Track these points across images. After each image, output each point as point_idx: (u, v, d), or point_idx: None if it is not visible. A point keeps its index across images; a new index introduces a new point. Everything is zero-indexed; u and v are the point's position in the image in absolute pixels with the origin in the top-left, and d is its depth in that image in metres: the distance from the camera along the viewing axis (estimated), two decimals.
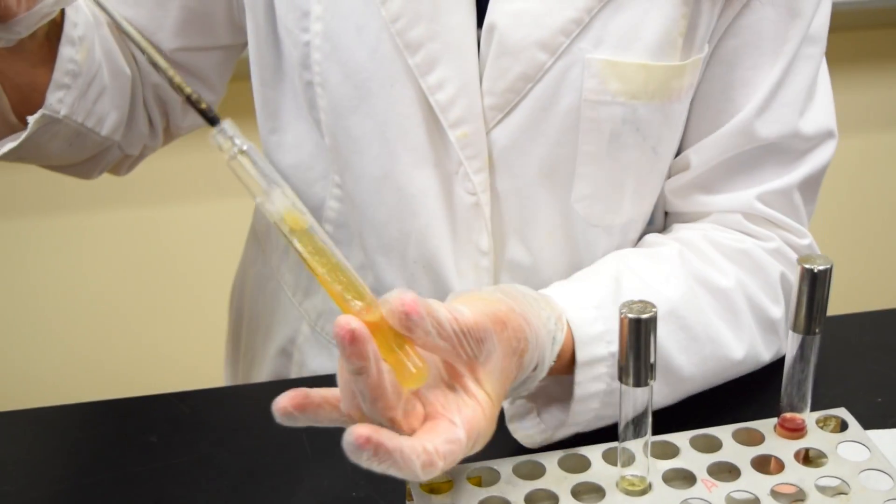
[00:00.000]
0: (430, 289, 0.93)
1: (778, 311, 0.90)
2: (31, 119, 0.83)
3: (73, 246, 1.86)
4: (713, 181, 0.92)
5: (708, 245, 0.90)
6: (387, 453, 0.61)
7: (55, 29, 0.84)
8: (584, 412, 0.79)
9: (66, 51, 0.84)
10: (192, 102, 0.61)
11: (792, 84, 0.89)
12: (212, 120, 0.61)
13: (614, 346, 0.79)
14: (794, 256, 0.91)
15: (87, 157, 0.95)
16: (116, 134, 0.94)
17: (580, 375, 0.78)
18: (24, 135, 0.83)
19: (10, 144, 0.83)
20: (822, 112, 0.91)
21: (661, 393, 0.84)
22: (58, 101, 0.85)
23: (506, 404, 0.82)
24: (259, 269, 1.09)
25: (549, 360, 0.75)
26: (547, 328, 0.75)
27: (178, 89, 0.61)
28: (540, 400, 0.82)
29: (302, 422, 0.65)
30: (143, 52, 0.63)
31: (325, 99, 0.89)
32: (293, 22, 0.88)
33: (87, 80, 0.87)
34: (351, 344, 0.60)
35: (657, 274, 0.85)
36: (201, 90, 1.02)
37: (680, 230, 0.93)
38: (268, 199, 0.62)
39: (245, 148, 0.61)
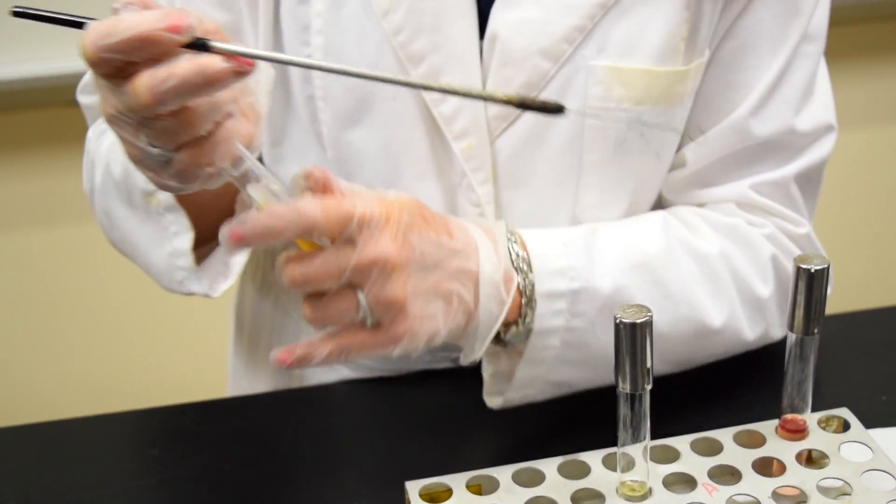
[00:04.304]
0: None
1: (766, 289, 0.88)
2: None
3: (71, 256, 1.86)
4: (709, 177, 0.91)
5: (695, 217, 0.89)
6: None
7: None
8: (544, 349, 0.80)
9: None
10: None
11: (789, 82, 0.88)
12: None
13: (577, 284, 0.79)
14: (789, 243, 0.90)
15: None
16: None
17: (540, 307, 0.79)
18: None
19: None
20: (820, 108, 0.90)
21: None
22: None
23: (485, 376, 0.83)
24: (260, 279, 1.09)
25: (504, 261, 0.77)
26: (503, 237, 0.77)
27: None
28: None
29: None
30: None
31: (327, 112, 0.88)
32: (294, 35, 0.87)
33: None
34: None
35: (636, 230, 0.85)
36: None
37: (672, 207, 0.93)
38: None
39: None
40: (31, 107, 1.73)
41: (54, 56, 1.64)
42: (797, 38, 0.87)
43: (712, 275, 0.86)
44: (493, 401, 0.84)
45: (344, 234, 0.67)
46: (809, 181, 0.92)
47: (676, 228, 0.87)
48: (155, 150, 0.64)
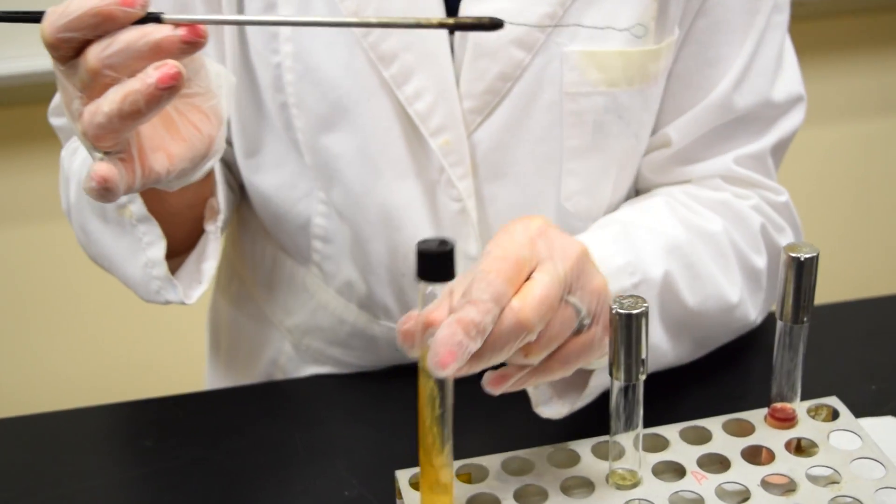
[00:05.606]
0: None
1: (761, 261, 0.90)
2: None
3: (60, 252, 1.86)
4: (693, 153, 0.92)
5: (688, 198, 0.91)
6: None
7: None
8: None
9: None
10: None
11: (764, 54, 0.90)
12: None
13: (636, 278, 0.80)
14: (772, 212, 0.93)
15: None
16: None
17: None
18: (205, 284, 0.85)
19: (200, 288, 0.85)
20: (790, 78, 0.93)
21: (670, 322, 0.84)
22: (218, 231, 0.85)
23: (529, 389, 0.80)
24: (235, 291, 1.07)
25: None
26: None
27: None
28: (558, 386, 0.81)
29: None
30: None
31: (302, 119, 0.88)
32: (262, 44, 0.87)
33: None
34: None
35: (651, 217, 0.86)
36: None
37: (659, 189, 0.94)
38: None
39: None
40: (25, 103, 1.73)
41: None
42: (768, 10, 0.89)
43: (721, 252, 0.87)
44: (547, 411, 0.81)
45: (535, 257, 0.68)
46: (781, 151, 0.94)
47: (681, 211, 0.88)
48: (97, 154, 0.64)
